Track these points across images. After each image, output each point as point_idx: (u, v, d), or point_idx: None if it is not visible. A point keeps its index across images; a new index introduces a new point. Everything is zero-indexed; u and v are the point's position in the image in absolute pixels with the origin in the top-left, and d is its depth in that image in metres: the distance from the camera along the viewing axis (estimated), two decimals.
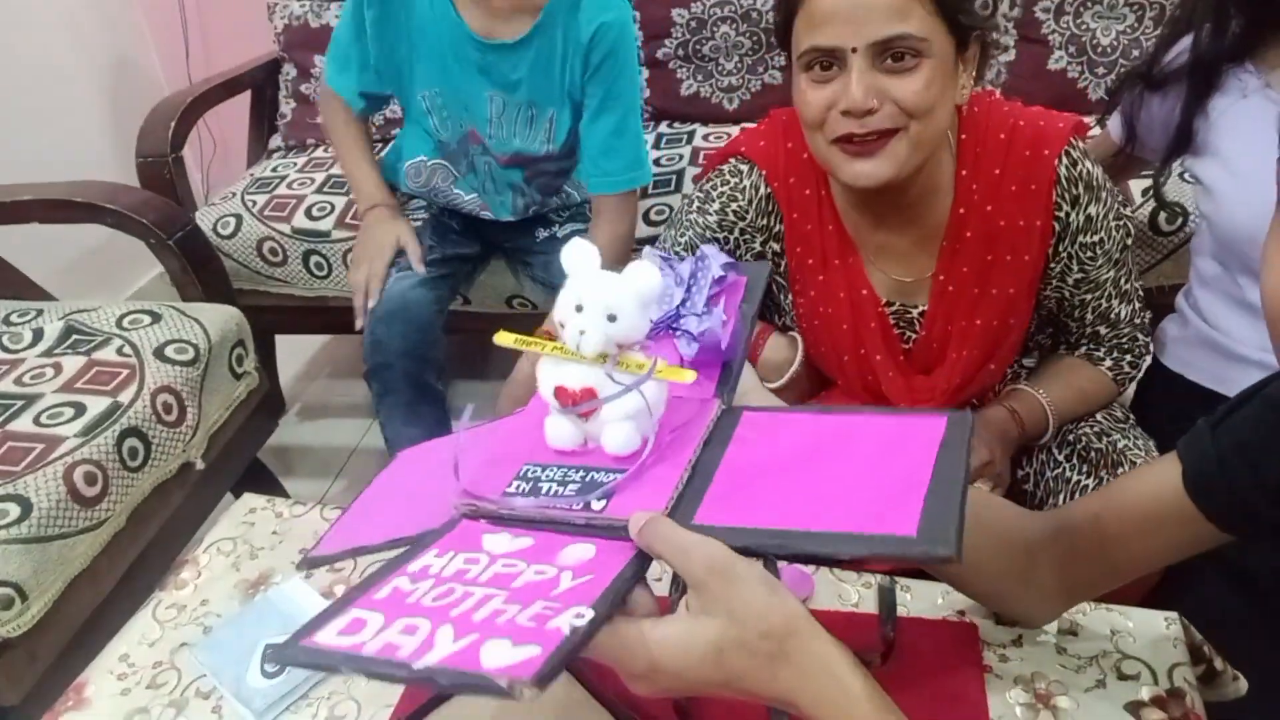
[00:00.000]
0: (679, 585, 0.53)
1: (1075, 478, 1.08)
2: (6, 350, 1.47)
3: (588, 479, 0.57)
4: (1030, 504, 1.13)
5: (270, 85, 2.33)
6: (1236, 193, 1.10)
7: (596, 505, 0.55)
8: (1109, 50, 1.98)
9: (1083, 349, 1.13)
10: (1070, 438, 1.12)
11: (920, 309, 1.07)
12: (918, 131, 0.91)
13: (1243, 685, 0.80)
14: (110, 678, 0.84)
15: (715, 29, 2.14)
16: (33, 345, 1.48)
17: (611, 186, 1.55)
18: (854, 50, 0.87)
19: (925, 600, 0.83)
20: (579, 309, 0.57)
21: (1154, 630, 0.78)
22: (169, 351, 1.45)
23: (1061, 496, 1.09)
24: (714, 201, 1.08)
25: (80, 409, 1.32)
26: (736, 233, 1.08)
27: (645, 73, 2.17)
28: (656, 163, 1.98)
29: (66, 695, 0.83)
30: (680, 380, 0.57)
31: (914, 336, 1.09)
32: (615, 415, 0.57)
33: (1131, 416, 1.17)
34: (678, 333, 0.64)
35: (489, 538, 0.56)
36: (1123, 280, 1.07)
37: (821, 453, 0.57)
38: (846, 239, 1.06)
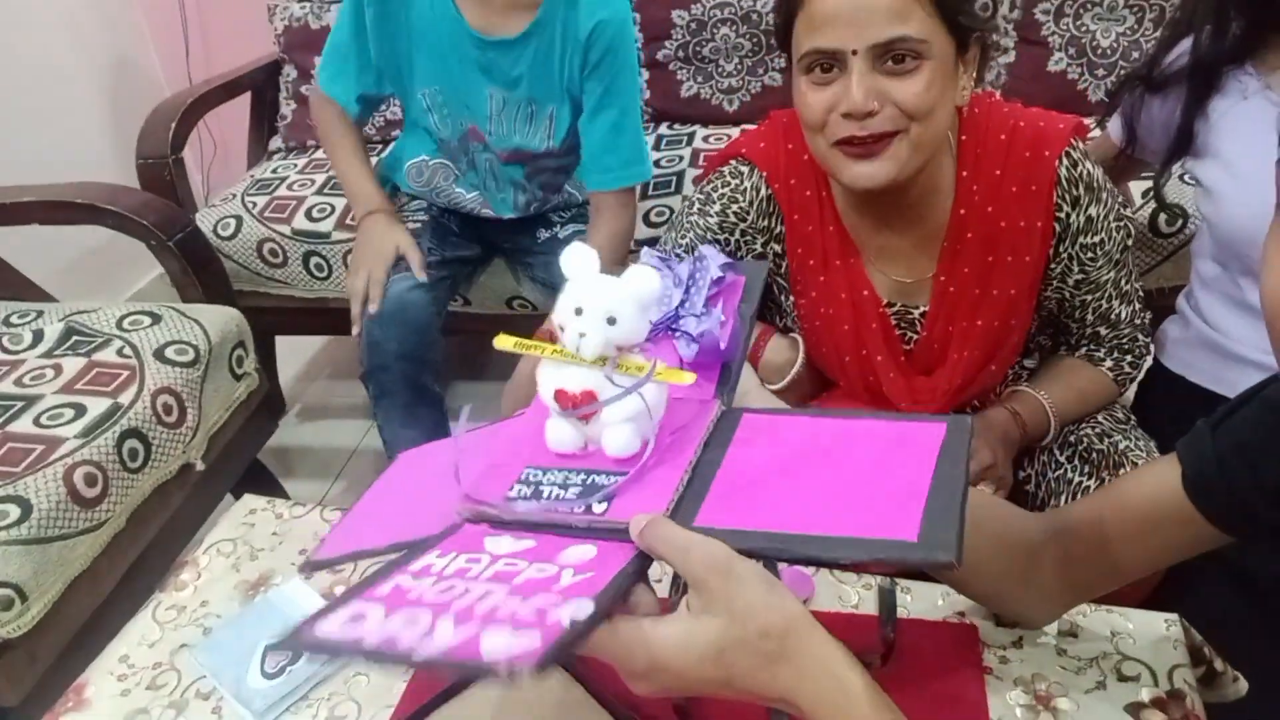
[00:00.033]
0: (679, 585, 0.53)
1: (1077, 479, 1.08)
2: (7, 351, 1.47)
3: (589, 482, 0.57)
4: (1032, 505, 1.13)
5: (270, 87, 2.33)
6: (1237, 194, 1.10)
7: (598, 509, 0.55)
8: (1109, 52, 1.98)
9: (1083, 350, 1.13)
10: (1072, 439, 1.12)
11: (921, 310, 1.07)
12: (918, 133, 0.91)
13: (1243, 686, 0.80)
14: (110, 679, 0.85)
15: (715, 30, 2.14)
16: (33, 346, 1.48)
17: (610, 183, 1.55)
18: (854, 52, 0.87)
19: (925, 601, 0.83)
20: (578, 312, 0.57)
21: (1154, 631, 0.78)
22: (169, 353, 1.45)
23: (1063, 498, 1.09)
24: (715, 203, 1.08)
25: (80, 410, 1.32)
26: (737, 234, 1.08)
27: (645, 74, 2.17)
28: (657, 164, 1.98)
29: (66, 696, 0.83)
30: (679, 382, 0.57)
31: (915, 337, 1.09)
32: (615, 418, 0.57)
33: (1133, 417, 1.17)
34: (677, 334, 0.64)
35: (491, 540, 0.56)
36: (1123, 281, 1.07)
37: (822, 456, 0.57)
38: (847, 240, 1.06)
